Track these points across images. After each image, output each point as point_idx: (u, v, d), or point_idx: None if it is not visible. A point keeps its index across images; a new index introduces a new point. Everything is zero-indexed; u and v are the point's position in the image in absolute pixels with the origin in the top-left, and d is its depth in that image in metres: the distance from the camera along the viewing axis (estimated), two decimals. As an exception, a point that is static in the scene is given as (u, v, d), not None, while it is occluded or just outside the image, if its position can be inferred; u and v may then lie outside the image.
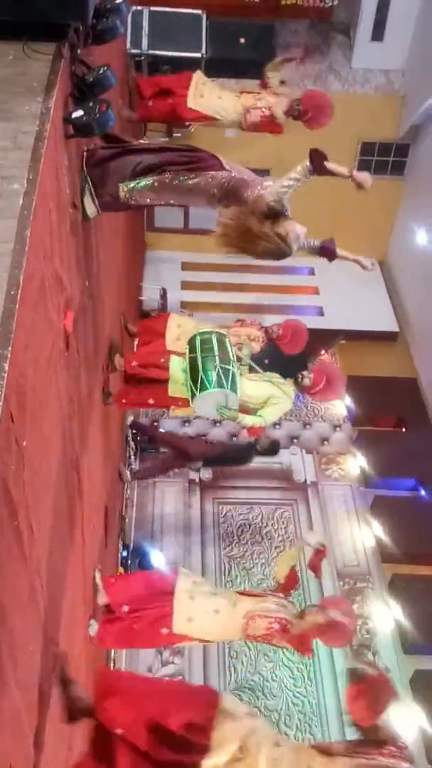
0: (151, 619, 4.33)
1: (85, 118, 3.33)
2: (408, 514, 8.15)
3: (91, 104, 3.36)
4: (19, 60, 3.19)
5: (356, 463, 8.81)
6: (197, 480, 8.48)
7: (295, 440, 9.06)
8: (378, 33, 9.01)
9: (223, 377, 4.20)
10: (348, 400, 9.44)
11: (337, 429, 9.27)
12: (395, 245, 10.74)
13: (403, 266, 10.52)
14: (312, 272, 10.84)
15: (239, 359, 4.57)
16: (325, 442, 9.11)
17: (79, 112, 3.33)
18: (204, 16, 7.25)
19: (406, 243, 10.24)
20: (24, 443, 2.51)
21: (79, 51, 3.50)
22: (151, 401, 5.15)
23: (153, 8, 7.01)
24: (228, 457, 7.50)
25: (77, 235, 3.77)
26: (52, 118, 3.02)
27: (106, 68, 3.51)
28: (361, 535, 8.15)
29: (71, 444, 3.66)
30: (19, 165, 2.80)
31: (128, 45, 6.73)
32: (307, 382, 4.92)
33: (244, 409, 4.70)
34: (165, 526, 7.98)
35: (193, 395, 4.25)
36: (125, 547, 7.19)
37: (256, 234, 4.31)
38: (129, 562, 7.09)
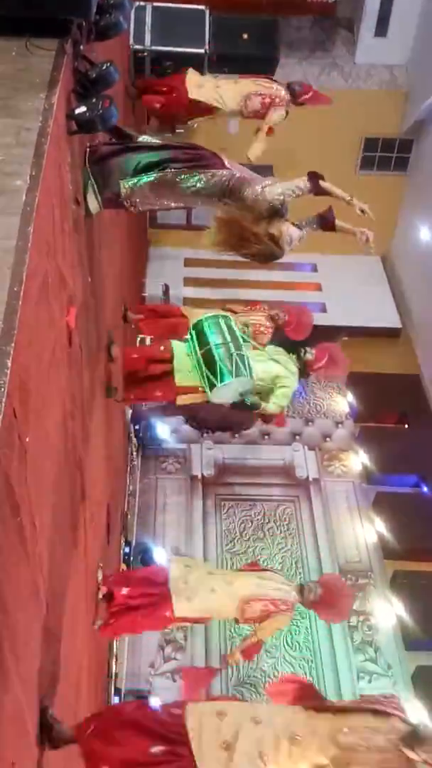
0: (153, 604, 4.44)
1: (87, 114, 3.32)
2: (410, 511, 8.16)
3: (93, 100, 3.35)
4: (22, 56, 3.18)
5: (358, 459, 8.82)
6: (199, 476, 8.49)
7: (297, 437, 9.06)
8: (381, 29, 8.99)
9: (240, 364, 4.26)
10: (350, 397, 9.44)
11: (340, 425, 9.27)
12: (398, 241, 10.72)
13: (406, 262, 10.50)
14: (314, 269, 10.84)
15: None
16: (328, 439, 9.11)
17: (82, 109, 3.32)
18: (207, 12, 7.23)
19: (409, 239, 10.22)
20: (27, 439, 2.51)
21: (81, 47, 3.49)
22: (158, 393, 5.04)
23: (156, 4, 6.99)
24: (233, 422, 7.45)
25: (80, 231, 3.77)
26: (55, 114, 3.01)
27: (109, 64, 3.50)
28: (363, 532, 8.16)
29: (73, 440, 3.66)
30: (21, 161, 2.80)
31: (131, 41, 6.72)
32: (309, 356, 4.93)
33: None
34: (167, 522, 8.00)
35: (212, 386, 4.28)
36: (127, 543, 7.20)
37: (248, 234, 4.31)
38: (131, 558, 7.11)
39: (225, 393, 4.40)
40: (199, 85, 6.10)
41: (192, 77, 6.17)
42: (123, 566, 6.75)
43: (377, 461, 8.65)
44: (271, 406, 4.71)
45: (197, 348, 4.39)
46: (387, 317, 10.24)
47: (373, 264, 10.76)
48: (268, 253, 4.46)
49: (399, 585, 7.59)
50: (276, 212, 4.31)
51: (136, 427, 8.48)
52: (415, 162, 9.98)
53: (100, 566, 4.58)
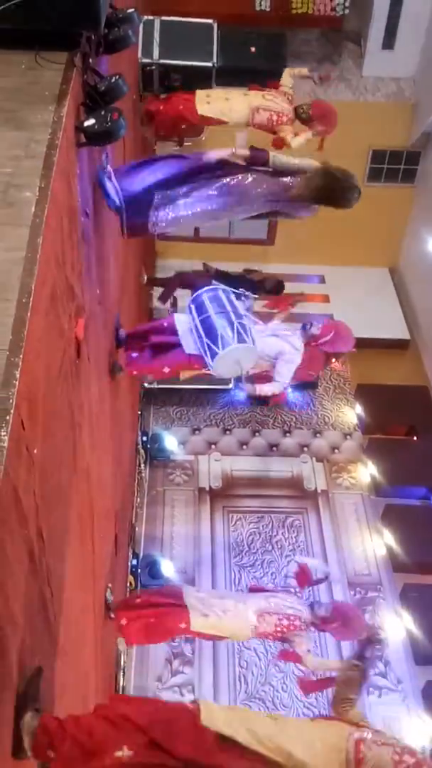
0: (169, 614, 4.40)
1: (96, 127, 3.34)
2: (419, 523, 8.10)
3: (102, 113, 3.36)
4: (32, 69, 3.20)
5: (367, 471, 8.77)
6: (207, 488, 8.47)
7: (305, 448, 9.03)
8: (389, 41, 9.01)
9: (242, 332, 4.16)
10: (359, 408, 9.41)
11: (348, 437, 9.23)
12: (406, 253, 10.71)
13: (415, 274, 10.49)
14: (322, 280, 10.84)
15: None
16: (336, 451, 9.07)
17: (91, 121, 3.34)
18: (215, 26, 7.28)
19: (417, 250, 10.21)
20: (35, 451, 2.50)
21: (91, 60, 3.51)
22: (166, 370, 4.82)
23: (164, 18, 7.05)
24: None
25: (88, 242, 3.78)
26: (64, 126, 3.03)
27: (117, 77, 3.51)
28: (372, 545, 8.10)
29: (82, 452, 3.65)
30: (31, 173, 2.81)
31: (140, 54, 6.76)
32: (314, 330, 4.81)
33: (259, 376, 4.62)
34: (175, 535, 7.97)
35: (213, 355, 4.17)
36: (135, 556, 7.18)
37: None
38: (139, 571, 7.08)
39: (226, 363, 4.25)
40: (207, 98, 6.10)
41: (200, 93, 6.17)
42: (131, 578, 6.72)
43: (386, 473, 8.60)
44: (273, 386, 4.57)
45: (196, 317, 4.30)
46: (395, 329, 10.20)
47: (382, 275, 10.76)
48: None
49: (409, 599, 7.52)
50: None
51: (144, 438, 8.47)
52: (423, 174, 9.98)
53: (109, 586, 4.54)
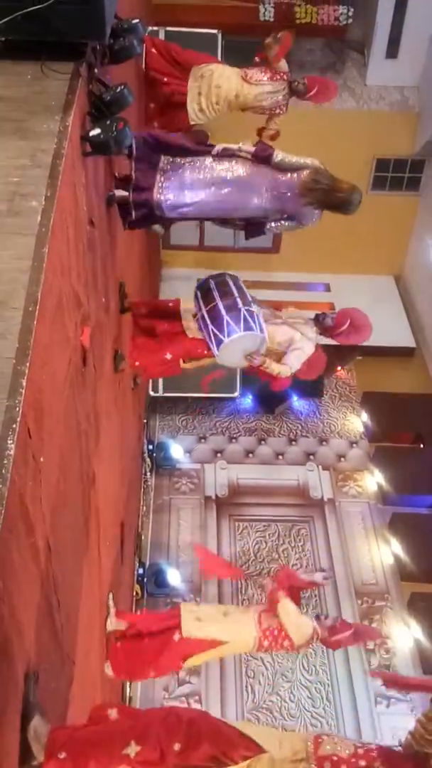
0: (161, 628, 4.30)
1: (102, 136, 3.35)
2: (427, 532, 8.07)
3: (108, 122, 3.38)
4: (37, 79, 3.22)
5: (374, 479, 8.75)
6: (213, 497, 8.46)
7: (311, 457, 9.01)
8: (392, 50, 9.04)
9: (250, 320, 4.06)
10: (364, 416, 9.39)
11: (354, 445, 9.21)
12: (412, 261, 10.71)
13: (420, 282, 10.49)
14: (327, 288, 10.84)
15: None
16: (342, 459, 9.06)
17: (97, 131, 3.35)
18: (219, 36, 7.32)
19: (422, 258, 10.21)
20: (41, 459, 2.50)
21: (96, 70, 3.53)
22: (168, 356, 4.60)
23: (169, 28, 7.09)
24: None
25: (94, 251, 3.79)
26: (70, 136, 3.04)
27: (123, 87, 3.53)
28: (379, 553, 8.07)
29: (88, 460, 3.65)
30: (37, 182, 2.82)
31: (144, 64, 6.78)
32: (329, 322, 4.61)
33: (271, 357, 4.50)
34: (181, 543, 7.95)
35: (219, 343, 4.08)
36: (141, 565, 7.16)
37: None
38: (145, 579, 7.06)
39: (232, 351, 4.16)
40: (199, 109, 6.02)
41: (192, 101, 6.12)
42: (137, 587, 6.70)
43: (392, 481, 8.57)
44: (281, 367, 4.39)
45: (203, 306, 4.20)
46: (401, 336, 10.19)
47: (387, 283, 10.75)
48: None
49: (416, 608, 7.48)
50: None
51: (150, 447, 8.47)
52: (427, 182, 9.99)
53: (112, 594, 4.51)
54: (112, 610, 4.42)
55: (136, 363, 4.81)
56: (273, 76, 5.53)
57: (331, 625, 4.31)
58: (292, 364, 4.44)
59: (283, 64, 5.57)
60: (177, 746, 2.57)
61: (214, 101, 5.61)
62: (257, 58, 5.60)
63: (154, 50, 5.66)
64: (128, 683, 6.03)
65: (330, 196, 4.51)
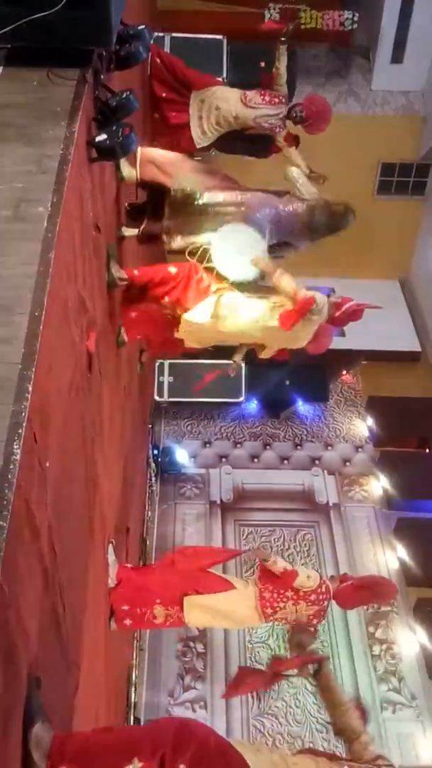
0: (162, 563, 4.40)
1: (108, 142, 3.36)
2: (433, 537, 8.03)
3: (114, 128, 3.39)
4: (44, 86, 3.23)
5: (379, 484, 8.72)
6: (218, 501, 8.45)
7: (317, 461, 9.00)
8: (397, 55, 9.05)
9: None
10: (370, 421, 9.37)
11: (360, 450, 9.19)
12: (417, 265, 10.70)
13: (425, 286, 10.47)
14: (333, 292, 10.79)
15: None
16: (348, 463, 9.03)
17: (103, 136, 3.36)
18: (225, 41, 7.34)
19: (428, 262, 10.20)
20: (47, 464, 2.50)
21: (102, 76, 3.54)
22: (166, 299, 4.26)
23: (175, 34, 7.11)
24: None
25: (99, 256, 3.80)
26: (76, 141, 3.05)
27: (129, 93, 3.54)
28: (385, 558, 8.04)
29: (93, 465, 3.65)
30: (43, 188, 2.83)
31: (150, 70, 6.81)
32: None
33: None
34: (186, 548, 7.94)
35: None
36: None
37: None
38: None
39: (227, 245, 4.16)
40: (202, 132, 6.06)
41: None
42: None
43: (398, 486, 8.54)
44: (290, 282, 4.13)
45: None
46: (406, 341, 10.17)
47: (392, 288, 10.73)
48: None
49: (422, 613, 7.44)
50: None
51: (155, 451, 8.47)
52: (433, 186, 10.00)
53: (112, 543, 4.44)
54: (113, 566, 4.39)
55: (137, 336, 4.74)
56: (271, 100, 5.62)
57: (341, 576, 4.35)
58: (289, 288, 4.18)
59: (282, 88, 5.66)
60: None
61: (214, 122, 5.71)
62: (262, 80, 5.72)
63: (158, 60, 5.72)
64: (133, 690, 6.02)
65: (327, 232, 4.60)
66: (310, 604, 4.27)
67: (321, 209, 4.67)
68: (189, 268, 4.21)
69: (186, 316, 4.18)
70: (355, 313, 4.25)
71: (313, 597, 4.27)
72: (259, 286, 4.27)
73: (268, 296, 4.19)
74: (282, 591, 4.27)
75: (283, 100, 5.63)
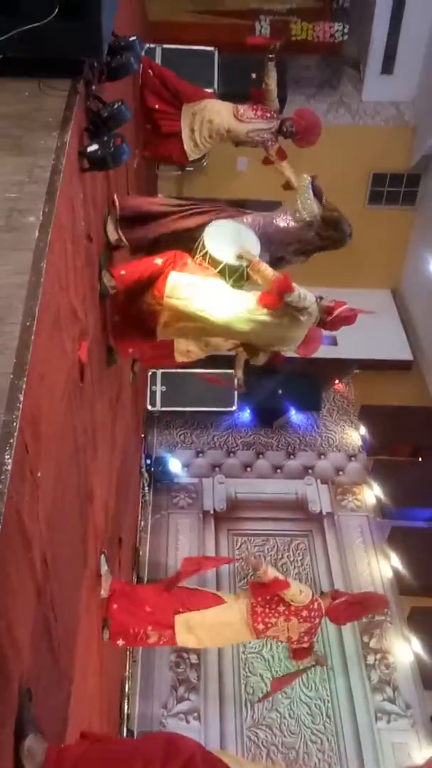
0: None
1: (99, 152, 3.38)
2: (426, 546, 8.02)
3: (105, 138, 3.41)
4: (35, 96, 3.24)
5: (372, 493, 8.72)
6: (211, 511, 8.43)
7: (310, 470, 8.99)
8: (388, 66, 9.12)
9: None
10: (363, 430, 9.38)
11: (353, 459, 9.20)
12: (408, 275, 10.75)
13: (417, 295, 10.51)
14: (320, 299, 10.84)
15: None
16: (341, 473, 9.03)
17: (94, 146, 3.37)
18: (216, 53, 7.38)
19: (419, 272, 10.24)
20: (38, 474, 2.50)
21: (93, 87, 3.55)
22: (158, 261, 4.16)
23: (166, 45, 7.15)
24: None
25: (91, 266, 3.80)
26: (68, 152, 3.06)
27: (120, 103, 3.56)
28: (379, 567, 8.03)
29: (85, 475, 3.64)
30: (35, 198, 2.83)
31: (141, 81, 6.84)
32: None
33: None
34: (179, 558, 7.89)
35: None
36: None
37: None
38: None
39: (223, 237, 4.13)
40: (194, 145, 6.07)
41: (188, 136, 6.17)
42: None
43: (391, 495, 8.54)
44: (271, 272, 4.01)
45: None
46: (398, 350, 10.20)
47: (384, 297, 10.77)
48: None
49: (416, 622, 7.42)
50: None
51: (148, 461, 8.46)
52: (424, 196, 10.04)
53: (104, 553, 4.42)
54: (106, 577, 4.36)
55: (129, 350, 4.60)
56: (263, 114, 5.68)
57: (332, 591, 4.35)
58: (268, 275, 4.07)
59: (273, 102, 5.71)
60: None
61: (207, 135, 5.76)
62: (252, 94, 5.78)
63: (150, 72, 5.75)
64: (126, 701, 5.98)
65: (329, 246, 4.66)
66: (302, 620, 4.26)
67: (319, 227, 4.65)
68: (174, 254, 4.14)
69: (172, 275, 3.98)
70: (348, 318, 4.20)
71: (305, 613, 4.26)
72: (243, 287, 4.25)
73: (253, 291, 4.13)
74: (274, 606, 4.26)
75: (275, 115, 5.70)
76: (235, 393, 8.64)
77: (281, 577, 4.33)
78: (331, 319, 4.19)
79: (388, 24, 8.76)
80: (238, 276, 4.09)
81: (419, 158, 9.53)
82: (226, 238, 4.17)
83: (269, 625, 4.28)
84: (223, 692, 6.87)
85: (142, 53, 5.75)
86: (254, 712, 6.75)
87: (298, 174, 5.26)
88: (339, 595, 4.40)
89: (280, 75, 6.46)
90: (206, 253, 4.10)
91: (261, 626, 4.28)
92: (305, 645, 4.40)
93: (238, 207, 4.93)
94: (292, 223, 4.70)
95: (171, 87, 5.72)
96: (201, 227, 4.36)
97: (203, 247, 4.13)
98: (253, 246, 4.18)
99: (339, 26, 8.52)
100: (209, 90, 6.57)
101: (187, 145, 5.80)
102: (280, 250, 4.72)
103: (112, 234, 4.30)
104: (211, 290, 3.95)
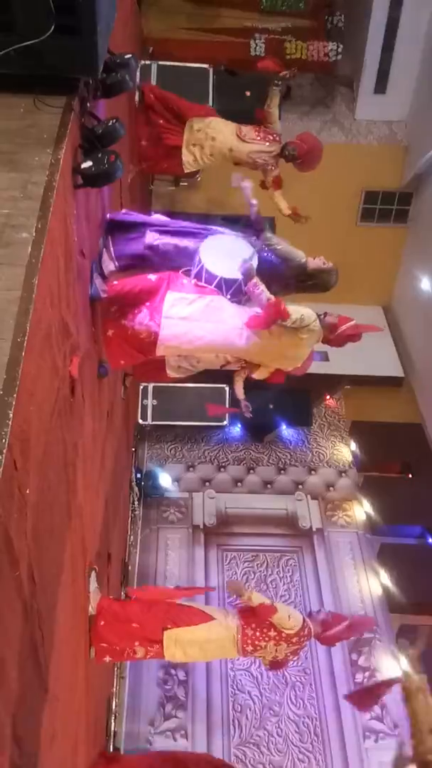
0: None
1: (93, 169, 3.39)
2: (416, 562, 8.03)
3: (99, 155, 3.42)
4: (30, 113, 3.25)
5: (362, 509, 8.72)
6: (201, 526, 8.40)
7: (300, 486, 8.99)
8: (381, 86, 9.21)
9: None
10: (353, 446, 9.39)
11: (343, 475, 9.20)
12: (400, 291, 10.81)
13: (408, 312, 10.57)
14: (323, 316, 10.88)
15: None
16: (331, 488, 9.03)
17: (88, 163, 3.38)
18: (211, 70, 7.44)
19: (410, 289, 10.31)
20: (27, 491, 2.48)
21: (88, 104, 3.57)
22: (152, 277, 4.12)
23: (161, 62, 7.20)
24: None
25: (83, 281, 3.80)
26: (62, 168, 3.07)
27: (114, 120, 3.57)
28: (368, 584, 8.01)
29: (74, 491, 3.62)
30: (28, 214, 2.83)
31: (137, 99, 6.89)
32: (331, 320, 4.22)
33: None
34: (169, 573, 7.87)
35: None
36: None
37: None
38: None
39: (218, 250, 4.12)
40: (192, 158, 6.11)
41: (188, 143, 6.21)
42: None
43: (381, 511, 8.55)
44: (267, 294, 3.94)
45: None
46: (389, 366, 10.23)
47: (375, 314, 10.83)
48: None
49: (406, 639, 7.40)
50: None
51: (138, 475, 8.43)
52: (415, 214, 10.12)
53: (95, 569, 4.39)
54: (94, 594, 4.32)
55: (121, 362, 4.47)
56: (266, 137, 5.74)
57: (324, 619, 4.30)
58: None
59: (276, 125, 5.77)
60: None
61: (209, 153, 5.81)
62: (255, 116, 5.85)
63: (152, 97, 5.86)
64: (113, 719, 5.92)
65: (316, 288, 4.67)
66: (291, 645, 4.25)
67: (302, 272, 4.67)
68: (170, 274, 4.12)
69: (171, 292, 3.96)
70: (353, 336, 4.15)
71: (295, 639, 4.26)
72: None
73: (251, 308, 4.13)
74: (265, 630, 4.24)
75: (278, 139, 5.77)
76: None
77: (267, 601, 4.29)
78: (334, 336, 4.12)
79: (381, 44, 8.86)
80: (235, 290, 4.11)
81: (411, 177, 9.62)
82: (223, 252, 4.18)
83: (258, 648, 4.26)
84: (211, 710, 6.82)
85: (138, 70, 5.83)
86: (242, 730, 6.71)
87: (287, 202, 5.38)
88: (328, 624, 4.36)
89: (282, 103, 6.55)
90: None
91: (250, 648, 4.27)
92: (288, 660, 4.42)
93: (230, 224, 4.96)
94: (274, 257, 4.67)
95: (174, 107, 5.81)
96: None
97: (199, 261, 4.15)
98: (250, 258, 4.19)
99: (333, 45, 8.61)
100: (210, 107, 6.63)
101: (186, 158, 5.86)
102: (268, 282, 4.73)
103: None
104: (212, 306, 3.96)
